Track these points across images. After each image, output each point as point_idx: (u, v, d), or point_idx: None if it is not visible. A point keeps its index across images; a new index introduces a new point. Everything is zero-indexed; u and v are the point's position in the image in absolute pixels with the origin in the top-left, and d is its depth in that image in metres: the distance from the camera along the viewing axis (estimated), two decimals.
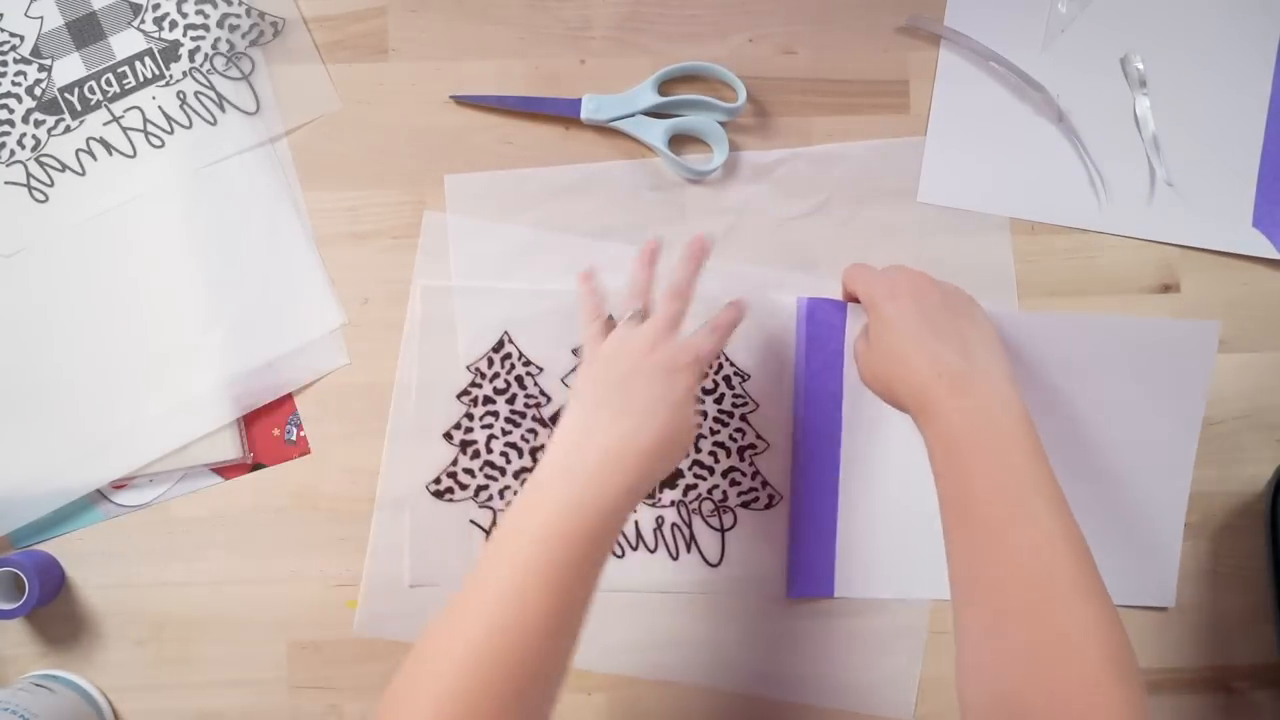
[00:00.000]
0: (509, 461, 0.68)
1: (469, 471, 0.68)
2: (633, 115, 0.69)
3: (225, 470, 0.69)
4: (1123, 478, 0.68)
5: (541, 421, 0.69)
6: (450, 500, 0.68)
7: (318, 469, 0.69)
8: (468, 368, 0.69)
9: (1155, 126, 0.71)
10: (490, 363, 0.69)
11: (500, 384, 0.69)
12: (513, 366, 0.69)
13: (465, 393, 0.69)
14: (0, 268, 0.68)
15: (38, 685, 0.66)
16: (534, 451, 0.69)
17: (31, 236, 0.68)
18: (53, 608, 0.68)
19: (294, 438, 0.69)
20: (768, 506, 0.69)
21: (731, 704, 0.69)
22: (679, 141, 0.70)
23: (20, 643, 0.68)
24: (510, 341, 0.69)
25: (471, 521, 0.68)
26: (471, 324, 0.69)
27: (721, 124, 0.69)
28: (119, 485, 0.68)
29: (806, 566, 0.68)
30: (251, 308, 0.69)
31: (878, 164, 0.70)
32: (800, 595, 0.68)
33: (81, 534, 0.68)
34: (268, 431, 0.69)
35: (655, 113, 0.69)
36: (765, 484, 0.69)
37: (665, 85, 0.70)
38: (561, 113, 0.69)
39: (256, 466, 0.69)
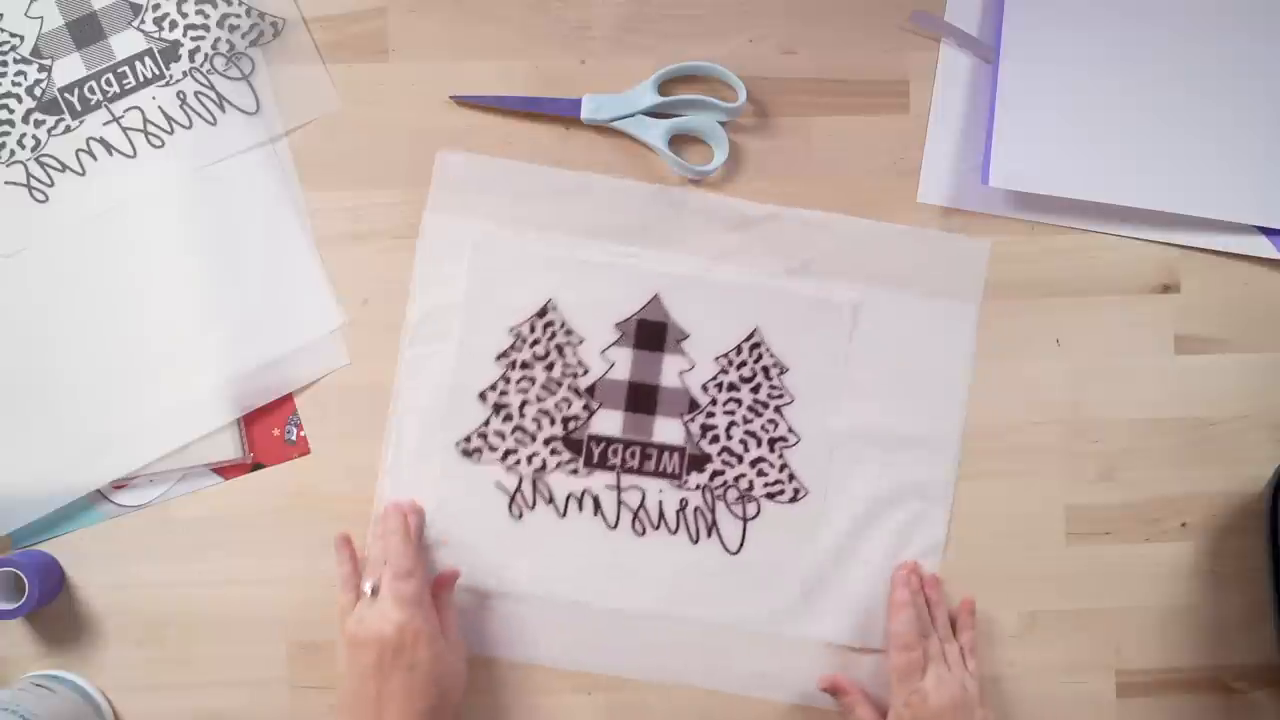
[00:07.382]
0: (540, 428, 0.68)
1: (499, 434, 0.68)
2: (633, 115, 0.69)
3: (225, 470, 0.69)
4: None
5: (577, 391, 0.68)
6: (478, 461, 0.68)
7: (318, 469, 0.69)
8: (510, 330, 0.69)
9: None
10: (532, 327, 0.69)
11: (540, 350, 0.69)
12: (554, 334, 0.69)
13: (505, 355, 0.69)
14: (0, 268, 0.68)
15: (38, 685, 0.66)
16: (566, 421, 0.68)
17: (31, 236, 0.68)
18: (53, 608, 0.68)
19: (294, 438, 0.69)
20: (793, 500, 0.69)
21: (731, 704, 0.69)
22: (679, 141, 0.70)
23: (20, 643, 0.68)
24: (554, 308, 0.69)
25: (496, 484, 0.68)
26: (518, 285, 0.69)
27: (721, 124, 0.69)
28: (119, 485, 0.68)
29: None
30: (251, 308, 0.69)
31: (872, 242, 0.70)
32: None
33: (81, 534, 0.68)
34: (268, 431, 0.69)
35: (655, 113, 0.69)
36: (792, 477, 0.69)
37: (665, 85, 0.70)
38: (562, 113, 0.69)
39: (256, 466, 0.69)
